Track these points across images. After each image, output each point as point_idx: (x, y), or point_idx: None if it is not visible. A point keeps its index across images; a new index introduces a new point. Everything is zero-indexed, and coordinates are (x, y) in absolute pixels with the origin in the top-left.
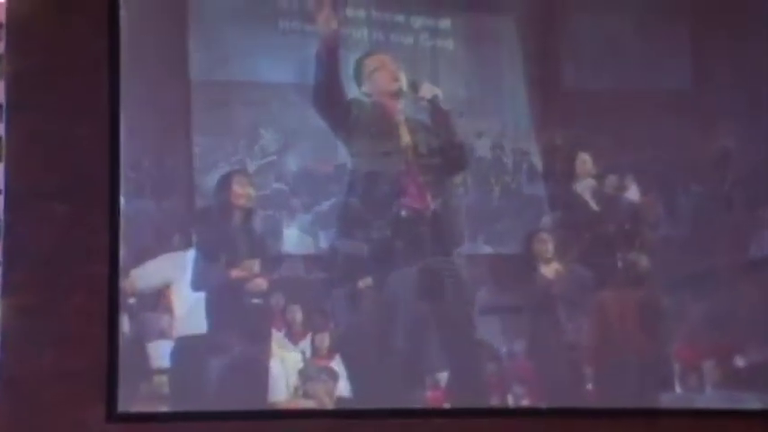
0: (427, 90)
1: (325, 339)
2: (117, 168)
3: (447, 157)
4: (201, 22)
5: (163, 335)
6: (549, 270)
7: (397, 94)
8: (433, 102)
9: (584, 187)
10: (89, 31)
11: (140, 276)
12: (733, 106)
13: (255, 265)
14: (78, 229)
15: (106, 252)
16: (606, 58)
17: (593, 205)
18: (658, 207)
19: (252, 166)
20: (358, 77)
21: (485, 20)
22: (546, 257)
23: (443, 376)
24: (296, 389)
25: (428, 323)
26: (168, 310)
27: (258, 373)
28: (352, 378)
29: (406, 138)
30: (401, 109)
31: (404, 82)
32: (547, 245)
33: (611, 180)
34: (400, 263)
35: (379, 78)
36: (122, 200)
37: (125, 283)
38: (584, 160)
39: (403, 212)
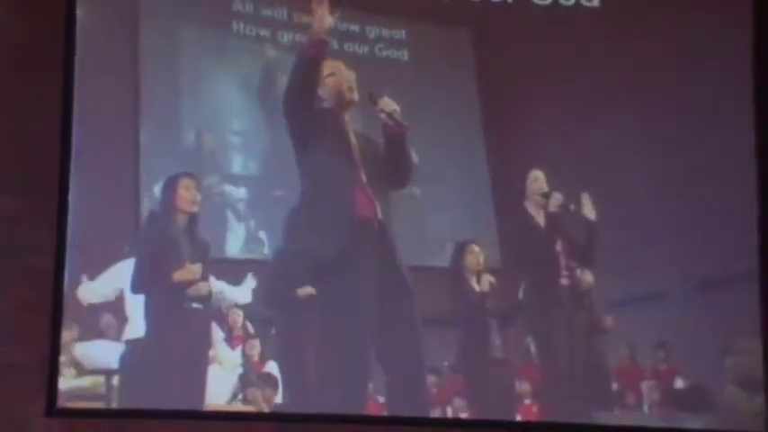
0: (387, 104)
1: (256, 346)
2: (67, 165)
3: (397, 170)
4: (154, 22)
5: (104, 336)
6: (483, 283)
7: (350, 104)
8: (392, 116)
9: (534, 204)
10: (45, 30)
11: (94, 286)
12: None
13: (197, 271)
14: (24, 223)
15: (52, 248)
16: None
17: (541, 222)
18: (608, 227)
19: (199, 170)
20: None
21: (440, 32)
22: (476, 270)
23: (382, 386)
24: (235, 394)
25: (369, 333)
26: (118, 314)
27: (196, 377)
28: (289, 385)
29: (357, 148)
30: (351, 119)
31: (356, 93)
32: (477, 257)
33: (558, 198)
34: (346, 272)
35: (333, 84)
36: (71, 196)
37: (78, 291)
38: (537, 178)
39: (353, 222)
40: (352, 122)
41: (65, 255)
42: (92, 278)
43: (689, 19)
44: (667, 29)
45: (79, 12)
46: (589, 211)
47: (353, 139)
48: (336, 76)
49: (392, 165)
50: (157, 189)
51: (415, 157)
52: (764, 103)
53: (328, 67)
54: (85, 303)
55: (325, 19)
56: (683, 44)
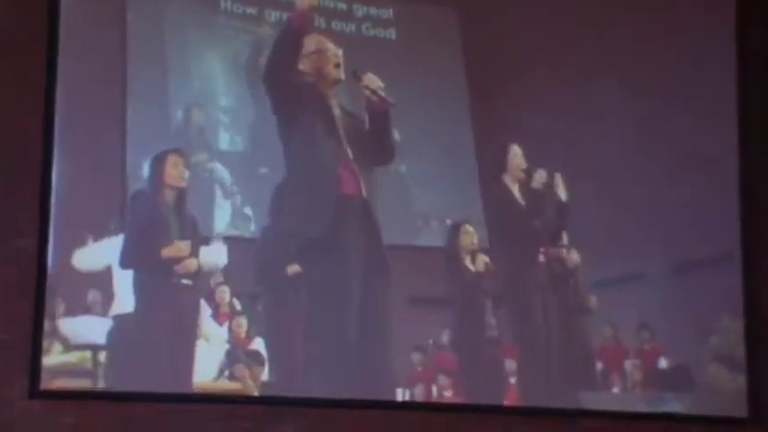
0: (371, 80)
1: (243, 323)
2: (50, 144)
3: (381, 147)
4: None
5: (90, 312)
6: (478, 263)
7: (336, 81)
8: (376, 92)
9: (512, 178)
10: (28, 8)
11: (81, 259)
12: (671, 109)
13: (186, 247)
14: (8, 203)
15: (36, 227)
16: (548, 53)
17: (518, 197)
18: (589, 207)
19: (187, 146)
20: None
21: (427, 11)
22: (471, 249)
23: (366, 364)
24: (221, 370)
25: (354, 311)
26: (105, 289)
27: (184, 353)
28: (274, 362)
29: (342, 125)
30: (335, 95)
31: (342, 70)
32: (472, 237)
33: (542, 175)
34: (332, 249)
35: (317, 60)
36: (55, 176)
37: (64, 263)
38: (516, 153)
39: (338, 199)
40: (338, 99)
41: (48, 234)
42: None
43: (674, 4)
44: (652, 13)
45: None
46: (561, 192)
47: (339, 116)
48: (321, 52)
49: (376, 141)
50: (145, 166)
51: (396, 135)
52: (747, 86)
53: (314, 42)
54: (82, 269)
55: None
56: (667, 28)
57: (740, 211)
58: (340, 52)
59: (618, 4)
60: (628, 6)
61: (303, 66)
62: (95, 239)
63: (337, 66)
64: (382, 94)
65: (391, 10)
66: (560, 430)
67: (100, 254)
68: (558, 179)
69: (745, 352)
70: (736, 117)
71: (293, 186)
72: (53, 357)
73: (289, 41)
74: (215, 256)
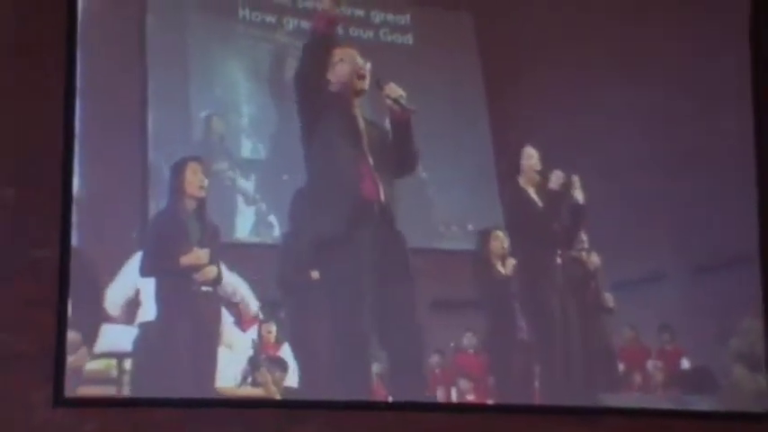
0: (392, 89)
1: (266, 329)
2: (70, 155)
3: (404, 156)
4: (161, 7)
5: (113, 320)
6: (508, 267)
7: (360, 91)
8: (398, 101)
9: (527, 180)
10: (47, 15)
11: (116, 287)
12: (688, 109)
13: (205, 255)
14: (29, 213)
15: (57, 237)
16: (563, 55)
17: (534, 199)
18: (608, 208)
19: (208, 154)
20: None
21: (443, 16)
22: (501, 254)
23: (387, 368)
24: (245, 377)
25: (370, 315)
26: (130, 299)
27: (207, 360)
28: (300, 368)
29: (365, 134)
30: (360, 105)
31: (367, 81)
32: (502, 242)
33: (560, 176)
34: (349, 253)
35: (343, 71)
36: (76, 186)
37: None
38: (531, 155)
39: (356, 204)
40: (363, 109)
41: (69, 244)
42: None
43: (689, 5)
44: (667, 9)
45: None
46: (578, 193)
47: (362, 125)
48: (346, 62)
49: (399, 150)
50: (165, 173)
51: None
52: (763, 84)
53: (340, 53)
54: (112, 311)
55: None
56: (683, 25)
57: (759, 211)
58: (368, 65)
59: (633, 3)
60: (643, 4)
61: (330, 75)
62: (117, 250)
63: (362, 77)
64: (404, 102)
65: (408, 15)
66: (582, 429)
67: (127, 279)
68: (576, 181)
69: (765, 350)
70: (753, 118)
71: (313, 190)
72: (81, 364)
73: (316, 49)
74: (237, 262)
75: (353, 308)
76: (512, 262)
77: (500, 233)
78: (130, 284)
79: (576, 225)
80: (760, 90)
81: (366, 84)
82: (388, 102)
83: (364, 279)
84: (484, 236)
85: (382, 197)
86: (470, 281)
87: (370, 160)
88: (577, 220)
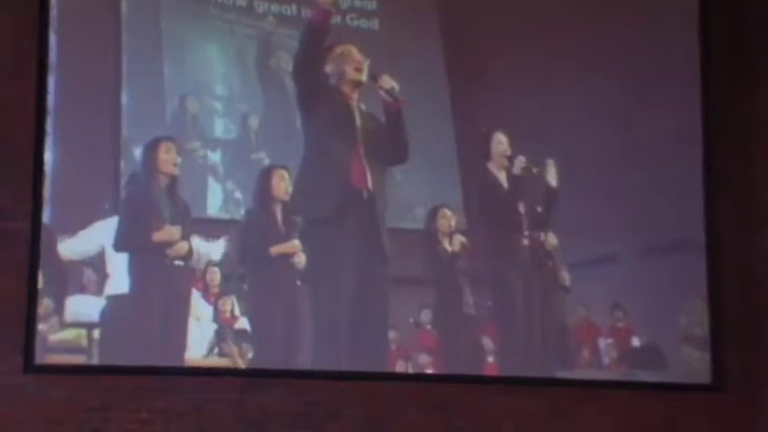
0: (385, 81)
1: (228, 302)
2: (42, 128)
3: (397, 145)
4: None
5: (85, 291)
6: (455, 244)
7: (357, 85)
8: (390, 92)
9: (497, 165)
10: None
11: (75, 242)
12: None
13: (177, 232)
14: (1, 186)
15: (29, 209)
16: (524, 44)
17: (504, 183)
18: (564, 192)
19: (182, 133)
20: (324, 58)
21: (409, 3)
22: (448, 232)
23: (350, 342)
24: (211, 348)
25: (348, 293)
26: (99, 270)
27: (177, 331)
28: (260, 340)
29: (359, 124)
30: (357, 97)
31: (365, 74)
32: (449, 220)
33: (522, 160)
34: (338, 238)
35: (343, 64)
36: (48, 159)
37: (59, 248)
38: (500, 140)
39: (345, 188)
40: (359, 101)
41: (41, 216)
42: (72, 235)
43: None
44: (622, 6)
45: None
46: (552, 178)
47: (358, 117)
48: (345, 56)
49: (391, 140)
50: (138, 151)
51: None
52: (710, 76)
53: (340, 49)
54: (65, 260)
55: None
56: (636, 20)
57: (704, 198)
58: (367, 62)
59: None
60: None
61: (329, 68)
62: (89, 222)
63: (358, 70)
64: (396, 94)
65: (375, 2)
66: (530, 399)
67: (91, 238)
68: (550, 166)
69: (710, 330)
70: (701, 109)
71: (306, 173)
72: (51, 334)
73: (312, 38)
74: (205, 238)
75: (333, 289)
76: (459, 239)
77: (447, 211)
78: (93, 244)
79: (547, 208)
80: (707, 82)
81: (363, 77)
82: (381, 93)
83: (346, 261)
84: (431, 214)
85: (370, 185)
86: (419, 258)
87: (363, 150)
88: (549, 203)
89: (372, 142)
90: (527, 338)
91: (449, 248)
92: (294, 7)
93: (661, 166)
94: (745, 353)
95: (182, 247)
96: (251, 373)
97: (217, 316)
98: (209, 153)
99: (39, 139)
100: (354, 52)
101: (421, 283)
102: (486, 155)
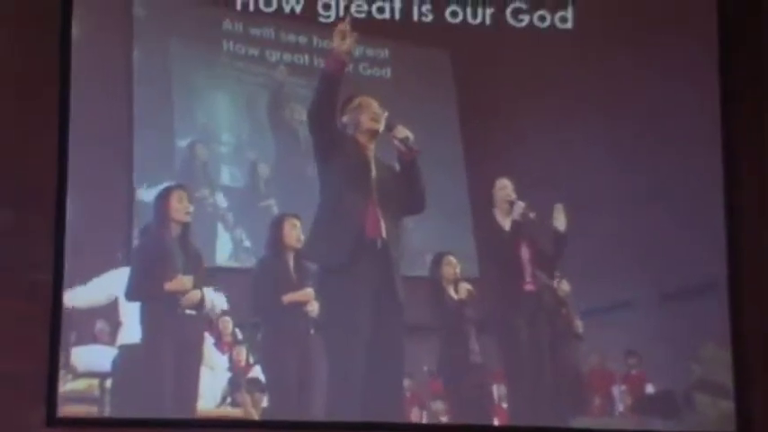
0: (400, 131)
1: (242, 351)
2: (64, 179)
3: (411, 197)
4: (147, 39)
5: (97, 341)
6: (461, 291)
7: (374, 134)
8: (405, 142)
9: (501, 211)
10: (40, 46)
11: (86, 291)
12: (657, 141)
13: (189, 281)
14: (23, 236)
15: (50, 260)
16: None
17: (507, 229)
18: (576, 236)
19: (191, 180)
20: (342, 108)
21: (421, 52)
22: (454, 279)
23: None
24: (224, 398)
25: (362, 341)
26: (111, 319)
27: (189, 381)
28: (274, 389)
29: (374, 174)
30: (373, 147)
31: (383, 124)
32: (454, 267)
33: (520, 206)
34: (352, 287)
35: (360, 115)
36: (69, 211)
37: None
38: (503, 186)
39: (360, 238)
40: (375, 151)
41: (63, 267)
42: (84, 285)
43: (656, 37)
44: (635, 47)
45: (74, 30)
46: (559, 223)
47: (374, 167)
48: (363, 107)
49: (407, 190)
50: (151, 200)
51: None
52: (729, 117)
53: (359, 100)
54: (77, 309)
55: (345, 41)
56: (651, 61)
57: (726, 239)
58: (385, 114)
59: (602, 40)
60: (611, 41)
61: (346, 119)
62: (100, 273)
63: (375, 120)
64: (410, 144)
65: (387, 50)
66: None
67: (103, 287)
68: (558, 210)
69: (733, 378)
70: (721, 149)
71: (321, 221)
72: (62, 385)
73: (327, 87)
74: (216, 287)
75: (347, 338)
76: (465, 286)
77: (452, 258)
78: (105, 293)
79: (557, 253)
80: (728, 121)
81: (381, 127)
82: (396, 142)
83: (360, 310)
84: (436, 261)
85: (384, 234)
86: (427, 306)
87: (377, 199)
88: (559, 248)
89: (387, 192)
90: (537, 387)
91: (454, 296)
92: (307, 57)
93: (679, 209)
94: None
95: (194, 295)
96: (263, 425)
97: (231, 365)
98: (219, 200)
99: (60, 191)
100: (374, 105)
101: (433, 330)
102: (491, 201)
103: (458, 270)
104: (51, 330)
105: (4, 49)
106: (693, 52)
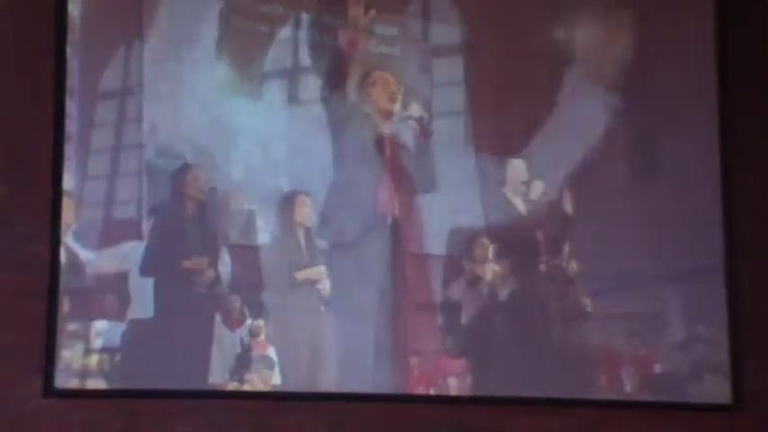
0: (415, 110)
1: (252, 329)
2: (60, 152)
3: (422, 176)
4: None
5: (106, 315)
6: (487, 272)
7: (390, 113)
8: (419, 122)
9: (513, 191)
10: (37, 18)
11: (96, 261)
12: (656, 123)
13: (205, 260)
14: (20, 209)
15: (47, 232)
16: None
17: (521, 209)
18: (587, 218)
19: (207, 157)
20: (358, 84)
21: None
22: (484, 260)
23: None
24: (232, 375)
25: (366, 315)
26: (122, 294)
27: (200, 357)
28: (284, 366)
29: (388, 152)
30: (389, 125)
31: (399, 104)
32: (486, 249)
33: (539, 186)
34: (361, 263)
35: (376, 93)
36: (72, 183)
37: (78, 266)
38: (516, 166)
39: (372, 214)
40: (388, 129)
41: (59, 239)
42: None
43: (655, 18)
44: (636, 28)
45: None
46: (567, 205)
47: (388, 145)
48: (381, 85)
49: (420, 168)
50: (165, 175)
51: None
52: (727, 100)
53: (376, 76)
54: (89, 284)
55: (359, 20)
56: (651, 42)
57: (723, 225)
58: (401, 90)
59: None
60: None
61: (364, 96)
62: (112, 245)
63: (392, 99)
64: (424, 124)
65: (396, 28)
66: (556, 418)
67: (114, 261)
68: (566, 193)
69: (729, 357)
70: (718, 133)
71: (333, 199)
72: (73, 360)
73: (338, 64)
74: (228, 265)
75: (356, 315)
76: (493, 267)
77: (485, 240)
78: (116, 268)
79: (564, 235)
80: (724, 106)
81: (397, 106)
82: (411, 122)
83: (369, 287)
84: (468, 242)
85: (396, 211)
86: (454, 285)
87: (390, 176)
88: (565, 229)
89: (400, 169)
90: (546, 367)
91: (485, 277)
92: (317, 33)
93: (680, 193)
94: (764, 375)
95: (208, 274)
96: (274, 396)
97: (240, 343)
98: (231, 178)
99: (56, 163)
100: (391, 82)
101: (447, 309)
102: (502, 181)
103: (489, 252)
104: (48, 302)
105: (3, 25)
106: (690, 29)
